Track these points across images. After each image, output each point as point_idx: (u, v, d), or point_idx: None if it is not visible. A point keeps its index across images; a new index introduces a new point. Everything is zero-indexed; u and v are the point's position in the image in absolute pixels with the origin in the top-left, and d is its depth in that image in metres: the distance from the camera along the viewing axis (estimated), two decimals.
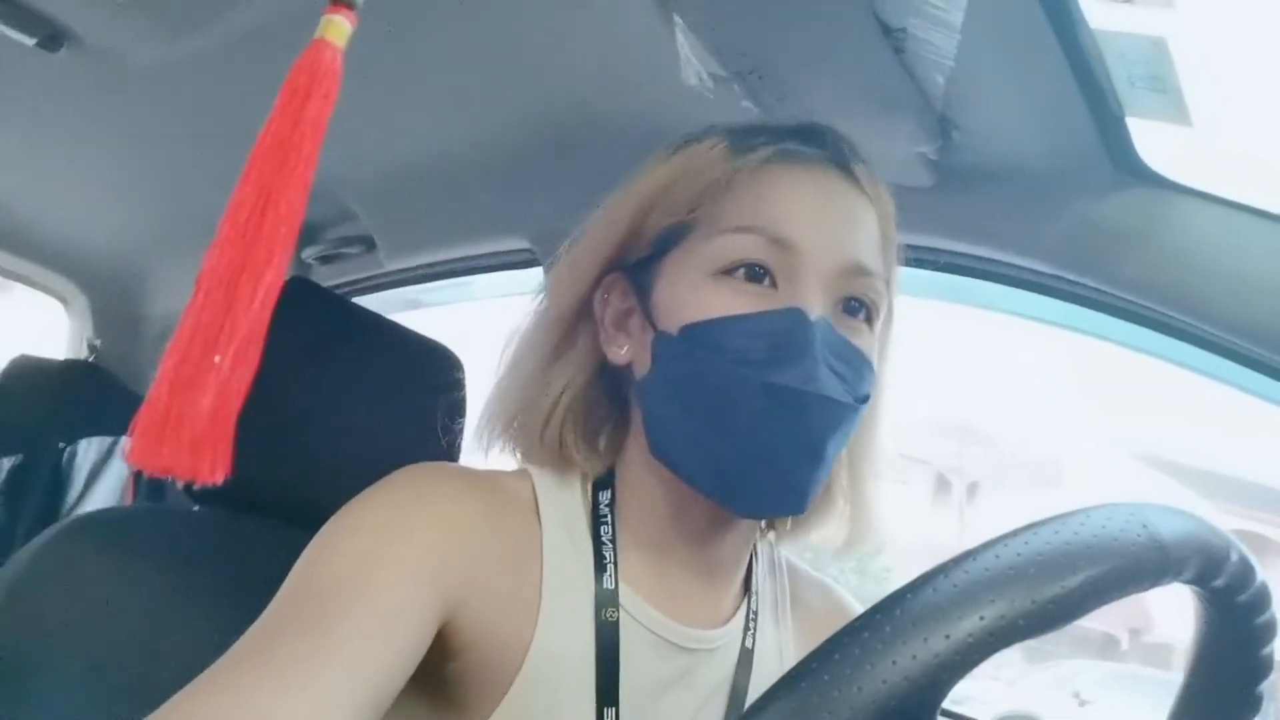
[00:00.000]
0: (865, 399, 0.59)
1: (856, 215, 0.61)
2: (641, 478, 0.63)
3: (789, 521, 0.69)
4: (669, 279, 0.61)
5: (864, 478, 0.67)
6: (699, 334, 0.58)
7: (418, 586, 0.53)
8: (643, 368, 0.62)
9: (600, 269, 0.64)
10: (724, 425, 0.57)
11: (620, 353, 0.63)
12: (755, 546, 0.69)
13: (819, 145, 0.63)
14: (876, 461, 0.68)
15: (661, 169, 0.63)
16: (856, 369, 0.58)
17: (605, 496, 0.64)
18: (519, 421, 0.65)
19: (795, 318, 0.57)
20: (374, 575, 0.52)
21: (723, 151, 0.61)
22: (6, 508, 1.59)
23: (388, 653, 0.50)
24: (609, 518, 0.63)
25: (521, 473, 0.65)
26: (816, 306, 0.57)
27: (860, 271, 0.60)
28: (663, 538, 0.63)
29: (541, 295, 0.67)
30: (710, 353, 0.57)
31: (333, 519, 0.56)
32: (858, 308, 0.60)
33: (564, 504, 0.63)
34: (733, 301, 0.58)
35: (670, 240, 0.61)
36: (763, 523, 0.69)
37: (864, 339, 0.60)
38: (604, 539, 0.62)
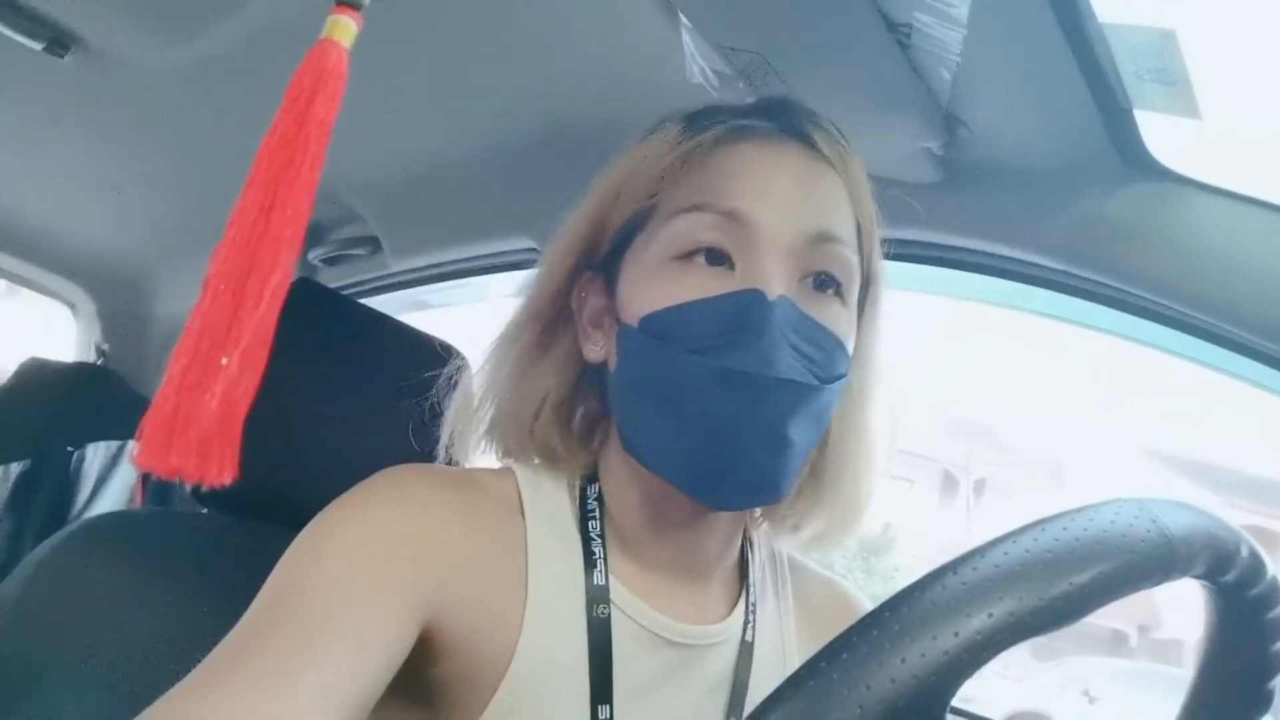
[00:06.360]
0: (836, 379, 0.57)
1: (816, 183, 0.59)
2: (621, 474, 0.63)
3: (779, 511, 0.66)
4: (631, 270, 0.60)
5: (850, 464, 0.64)
6: (656, 324, 0.57)
7: (395, 593, 0.53)
8: (614, 363, 0.61)
9: (573, 268, 0.63)
10: (686, 417, 0.55)
11: (596, 350, 0.63)
12: (751, 539, 0.69)
13: (775, 119, 0.62)
14: (866, 447, 0.65)
15: (623, 161, 0.63)
16: (825, 348, 0.56)
17: (593, 491, 0.63)
18: (503, 422, 0.65)
19: (752, 299, 0.55)
20: (351, 583, 0.51)
21: (676, 135, 0.60)
22: (15, 513, 1.60)
23: (366, 659, 0.49)
24: (597, 513, 0.62)
25: (505, 471, 0.64)
26: (777, 285, 0.55)
27: (824, 239, 0.57)
28: (645, 534, 0.62)
29: (521, 296, 0.66)
30: (668, 343, 0.56)
31: (311, 524, 0.56)
32: (827, 282, 0.58)
33: (550, 501, 0.63)
34: (690, 287, 0.56)
35: (632, 230, 0.61)
36: (756, 513, 0.68)
37: (836, 315, 0.58)
38: (592, 534, 0.61)
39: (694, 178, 0.59)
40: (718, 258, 0.57)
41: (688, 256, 0.57)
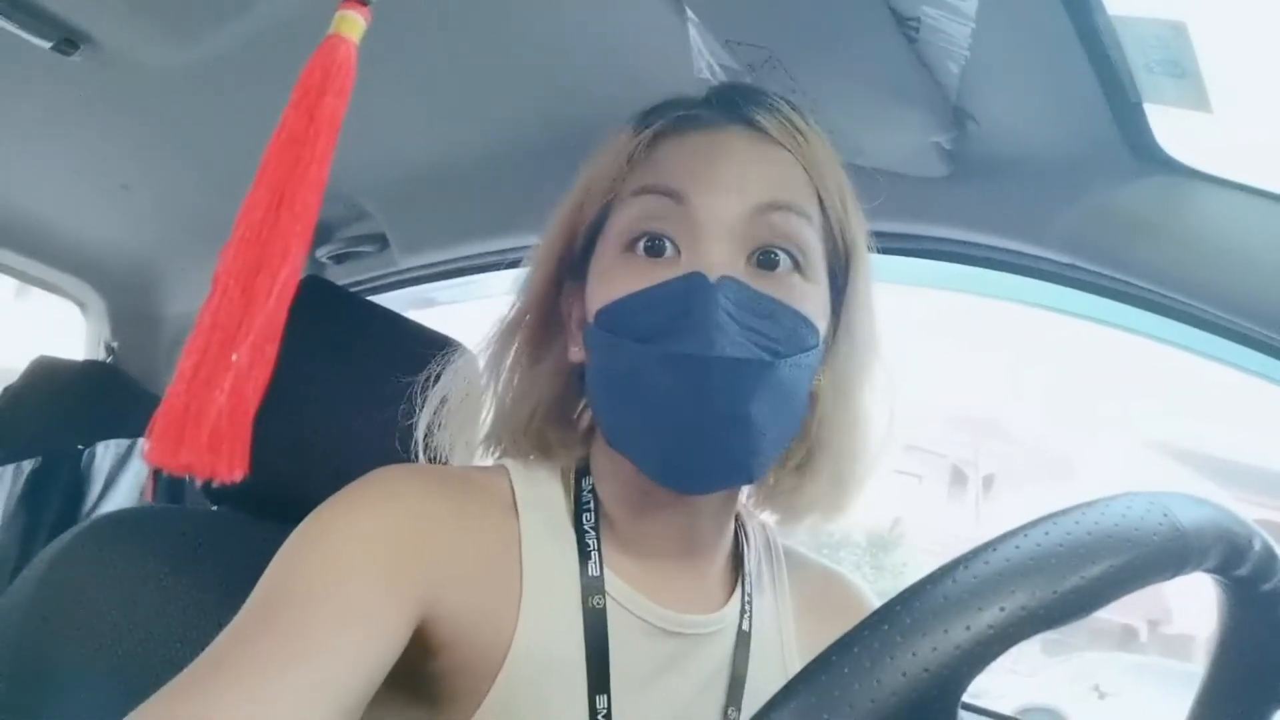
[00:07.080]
0: (798, 352, 0.57)
1: (759, 162, 0.60)
2: (609, 467, 0.63)
3: (776, 492, 0.66)
4: (593, 269, 0.62)
5: (846, 439, 0.64)
6: (609, 317, 0.58)
7: (388, 590, 0.53)
8: (587, 360, 0.62)
9: (555, 274, 0.64)
10: (643, 406, 0.56)
11: (577, 352, 0.64)
12: (745, 528, 0.69)
13: (720, 106, 0.63)
14: (860, 423, 0.64)
15: (587, 166, 0.64)
16: (780, 321, 0.56)
17: (588, 483, 0.64)
18: (499, 426, 0.66)
19: (694, 283, 0.55)
20: (343, 580, 0.52)
21: (628, 133, 0.62)
22: (26, 511, 1.60)
23: (358, 655, 0.50)
24: (591, 505, 0.63)
25: (498, 468, 0.65)
26: (719, 265, 0.56)
27: (770, 208, 0.58)
28: (634, 522, 0.63)
29: (511, 300, 0.67)
30: (619, 334, 0.57)
31: (304, 523, 0.56)
32: (778, 256, 0.58)
33: (544, 496, 0.63)
34: (637, 277, 0.57)
35: (594, 231, 0.62)
36: (749, 502, 0.68)
37: (791, 288, 0.58)
38: (586, 526, 0.62)
39: (640, 172, 0.60)
40: (661, 246, 0.58)
41: (634, 247, 0.58)
